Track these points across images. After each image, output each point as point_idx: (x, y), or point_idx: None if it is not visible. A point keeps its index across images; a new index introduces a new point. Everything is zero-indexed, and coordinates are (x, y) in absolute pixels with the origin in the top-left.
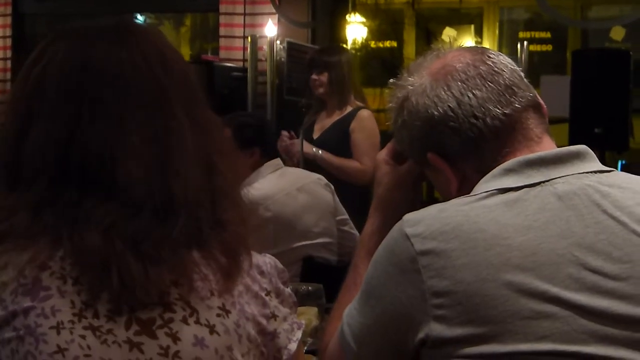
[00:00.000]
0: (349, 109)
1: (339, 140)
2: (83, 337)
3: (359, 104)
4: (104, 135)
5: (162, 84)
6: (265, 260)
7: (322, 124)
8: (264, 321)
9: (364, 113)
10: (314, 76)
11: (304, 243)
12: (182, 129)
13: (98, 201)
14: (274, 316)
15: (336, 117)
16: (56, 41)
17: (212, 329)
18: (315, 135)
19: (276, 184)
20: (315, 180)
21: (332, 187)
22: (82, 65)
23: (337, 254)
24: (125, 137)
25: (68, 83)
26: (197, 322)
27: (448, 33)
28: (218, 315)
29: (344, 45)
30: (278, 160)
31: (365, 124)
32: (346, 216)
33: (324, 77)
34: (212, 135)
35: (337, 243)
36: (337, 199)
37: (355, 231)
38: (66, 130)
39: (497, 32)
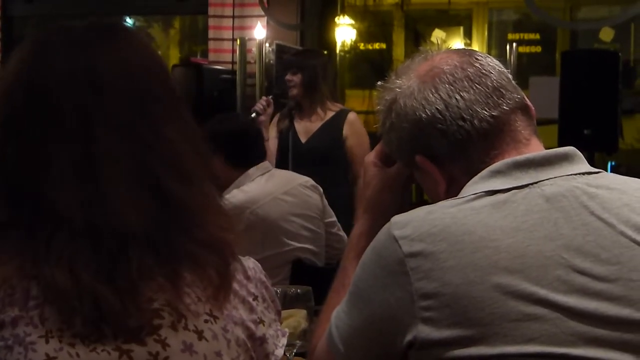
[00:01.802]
0: (329, 112)
1: (331, 145)
2: (72, 345)
3: (341, 106)
4: (31, 163)
5: (87, 108)
6: (249, 265)
7: (306, 127)
8: (252, 326)
9: (353, 116)
10: (288, 77)
11: (292, 247)
12: (112, 156)
13: (49, 232)
14: (261, 321)
15: (319, 120)
16: (16, 52)
17: (200, 335)
18: (303, 139)
19: (263, 188)
20: (302, 182)
21: (321, 189)
22: (16, 82)
23: (325, 257)
24: (50, 168)
25: (2, 102)
26: (186, 328)
27: (437, 35)
28: (206, 321)
29: (332, 48)
30: (267, 164)
31: (356, 129)
32: (334, 218)
33: (297, 78)
34: (169, 152)
35: (325, 246)
36: (325, 201)
37: (343, 233)
38: (1, 153)
39: (486, 33)
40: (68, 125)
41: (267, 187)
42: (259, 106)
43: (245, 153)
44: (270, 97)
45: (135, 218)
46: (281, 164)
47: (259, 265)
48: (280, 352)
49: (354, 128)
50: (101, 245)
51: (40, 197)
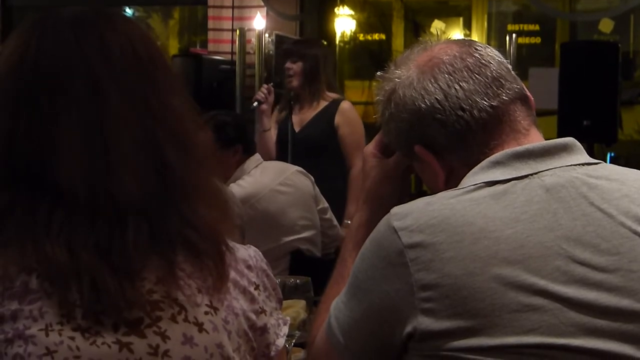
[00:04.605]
0: (323, 102)
1: (324, 134)
2: (72, 338)
3: (337, 95)
4: (38, 135)
5: (97, 77)
6: (250, 253)
7: (300, 117)
8: (253, 316)
9: (346, 105)
10: (287, 65)
11: (291, 238)
12: (122, 124)
13: (49, 208)
14: (263, 311)
15: (313, 110)
16: (14, 33)
17: (200, 327)
18: (297, 129)
19: (259, 181)
20: (294, 171)
21: (311, 176)
22: (21, 60)
23: (321, 244)
24: (58, 138)
25: (10, 79)
26: (186, 320)
27: (436, 26)
28: (206, 312)
29: (332, 38)
30: (258, 156)
31: (349, 117)
32: (326, 205)
33: (297, 67)
34: (175, 125)
35: (320, 232)
36: (317, 187)
37: (334, 218)
38: (7, 130)
39: (485, 24)
40: (80, 96)
41: (262, 179)
42: (260, 95)
43: (254, 142)
44: (271, 84)
45: (135, 188)
46: (279, 155)
47: (260, 253)
48: (281, 341)
49: (346, 117)
50: (99, 217)
51: (45, 172)
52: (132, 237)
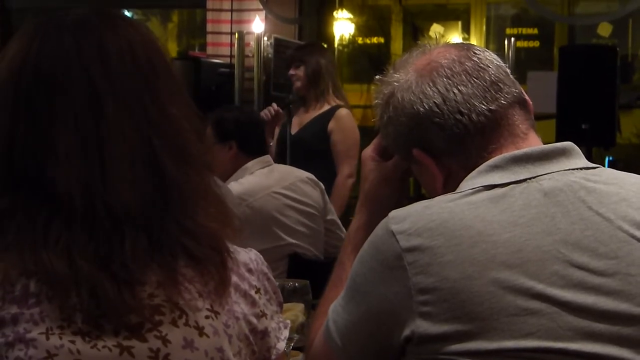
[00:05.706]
0: (326, 106)
1: (317, 137)
2: (72, 342)
3: (338, 102)
4: (37, 138)
5: (95, 82)
6: (251, 257)
7: (300, 119)
8: (254, 320)
9: (342, 112)
10: (291, 71)
11: (288, 242)
12: (119, 132)
13: (48, 215)
14: (264, 314)
15: (313, 113)
16: (17, 35)
17: (201, 331)
18: (294, 131)
19: (261, 182)
20: (303, 178)
21: (322, 185)
22: (23, 62)
23: (323, 254)
24: (57, 143)
25: (11, 81)
26: (186, 324)
27: (435, 29)
28: (207, 317)
29: (331, 42)
30: (268, 157)
31: (343, 124)
32: (335, 217)
33: (301, 72)
34: (174, 133)
35: (325, 243)
36: (327, 198)
37: (342, 230)
38: (7, 132)
39: (484, 28)
40: (78, 102)
41: (265, 181)
42: (265, 112)
43: (258, 141)
44: (276, 105)
45: (132, 198)
46: (278, 156)
47: (261, 256)
48: (282, 345)
49: (340, 124)
50: (97, 226)
51: (43, 178)
52: (130, 246)
